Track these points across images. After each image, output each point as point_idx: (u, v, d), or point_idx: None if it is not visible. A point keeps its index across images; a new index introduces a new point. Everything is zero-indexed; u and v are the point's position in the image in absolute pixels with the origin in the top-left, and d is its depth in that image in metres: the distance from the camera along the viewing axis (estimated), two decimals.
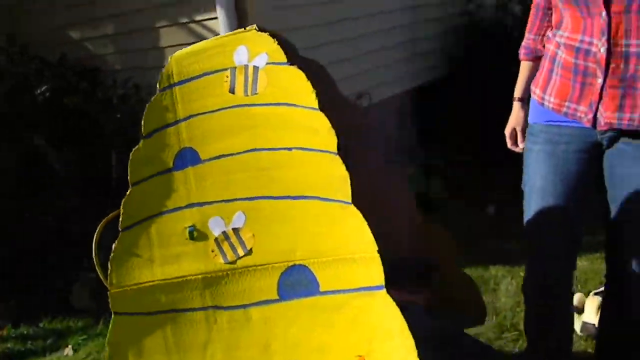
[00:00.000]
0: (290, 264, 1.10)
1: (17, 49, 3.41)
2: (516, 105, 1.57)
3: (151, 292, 1.16)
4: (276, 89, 1.10)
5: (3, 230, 2.69)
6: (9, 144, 2.75)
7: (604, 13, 1.22)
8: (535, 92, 1.43)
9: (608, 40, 1.24)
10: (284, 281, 1.10)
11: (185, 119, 1.16)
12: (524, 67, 1.54)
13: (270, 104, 1.11)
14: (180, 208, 1.16)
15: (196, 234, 1.14)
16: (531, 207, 1.43)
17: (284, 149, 1.10)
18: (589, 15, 1.25)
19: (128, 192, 1.17)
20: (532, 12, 1.48)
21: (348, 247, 1.05)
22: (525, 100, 1.53)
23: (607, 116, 1.28)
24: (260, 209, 1.12)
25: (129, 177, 1.17)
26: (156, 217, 1.16)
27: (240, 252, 1.13)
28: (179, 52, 1.17)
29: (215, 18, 2.67)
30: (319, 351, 1.08)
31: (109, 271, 1.16)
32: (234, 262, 1.13)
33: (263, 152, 1.12)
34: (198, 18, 2.82)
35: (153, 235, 1.16)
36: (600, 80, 1.27)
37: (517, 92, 1.56)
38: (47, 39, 3.74)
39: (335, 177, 1.05)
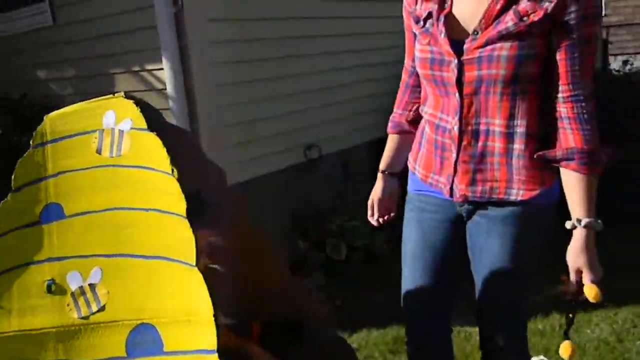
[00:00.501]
0: (139, 322, 1.11)
1: None
2: (378, 177, 1.60)
3: (6, 343, 1.17)
4: (137, 152, 1.14)
5: None
6: None
7: (457, 94, 1.29)
8: (410, 162, 1.49)
9: (460, 119, 1.31)
10: (132, 339, 1.11)
11: (54, 175, 1.20)
12: (390, 140, 1.58)
13: (132, 166, 1.15)
14: (41, 261, 1.18)
15: (54, 288, 1.16)
16: (404, 272, 1.48)
17: (142, 209, 1.13)
18: (446, 95, 1.32)
19: None
20: (400, 88, 1.55)
21: (190, 309, 1.07)
22: (387, 173, 1.57)
23: (461, 189, 1.34)
24: (116, 266, 1.14)
25: None
26: (18, 268, 1.18)
27: (94, 308, 1.14)
28: (54, 113, 1.22)
29: (162, 69, 2.77)
30: None
31: None
32: (87, 318, 1.14)
33: (123, 211, 1.15)
34: (148, 67, 2.91)
35: (14, 286, 1.18)
36: (454, 155, 1.33)
37: (381, 164, 1.59)
38: (13, 77, 3.83)
39: (184, 239, 1.08)
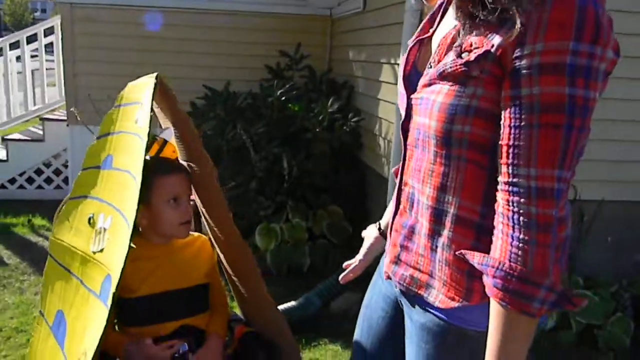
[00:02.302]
0: (108, 272, 1.27)
1: (298, 57, 4.11)
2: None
3: (63, 249, 1.49)
4: (144, 126, 1.27)
5: None
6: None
7: (402, 141, 0.94)
8: None
9: (401, 174, 0.95)
10: (104, 284, 1.28)
11: (117, 132, 1.42)
12: None
13: (142, 138, 1.28)
14: (93, 197, 1.43)
15: (91, 221, 1.41)
16: None
17: (132, 175, 1.27)
18: None
19: (79, 174, 1.51)
20: None
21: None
22: (379, 229, 1.24)
23: (386, 263, 0.97)
24: (117, 219, 1.31)
25: (82, 164, 1.51)
26: (83, 197, 1.47)
27: (99, 247, 1.34)
28: (130, 83, 1.43)
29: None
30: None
31: (53, 223, 1.54)
32: (94, 253, 1.35)
33: (127, 174, 1.30)
34: (399, 61, 2.91)
35: (78, 210, 1.48)
36: (391, 218, 0.98)
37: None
38: (322, 53, 4.36)
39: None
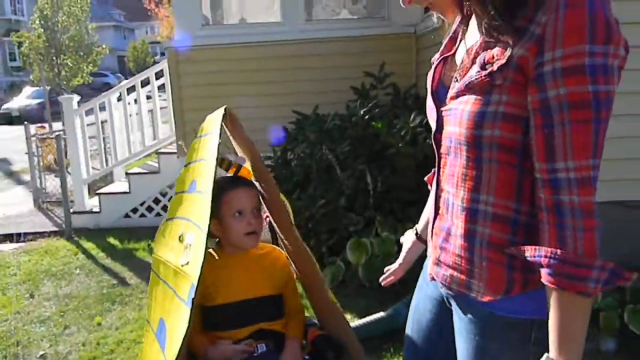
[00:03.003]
0: (192, 282, 1.46)
1: (382, 75, 4.23)
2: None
3: (161, 264, 1.72)
4: (213, 152, 1.47)
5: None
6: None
7: (436, 151, 1.01)
8: None
9: (437, 181, 1.01)
10: (189, 292, 1.48)
11: (198, 160, 1.63)
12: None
13: (211, 162, 1.48)
14: (181, 218, 1.65)
15: (181, 238, 1.62)
16: None
17: (206, 194, 1.46)
18: None
19: (172, 198, 1.74)
20: None
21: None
22: (416, 234, 1.35)
23: (429, 266, 1.03)
24: (197, 233, 1.51)
25: (175, 189, 1.74)
26: (175, 218, 1.70)
27: (187, 261, 1.55)
28: (207, 116, 1.64)
29: None
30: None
31: (154, 242, 1.78)
32: (182, 265, 1.56)
33: (202, 194, 1.50)
34: None
35: (172, 229, 1.70)
36: (431, 223, 1.04)
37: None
38: (408, 70, 4.43)
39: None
